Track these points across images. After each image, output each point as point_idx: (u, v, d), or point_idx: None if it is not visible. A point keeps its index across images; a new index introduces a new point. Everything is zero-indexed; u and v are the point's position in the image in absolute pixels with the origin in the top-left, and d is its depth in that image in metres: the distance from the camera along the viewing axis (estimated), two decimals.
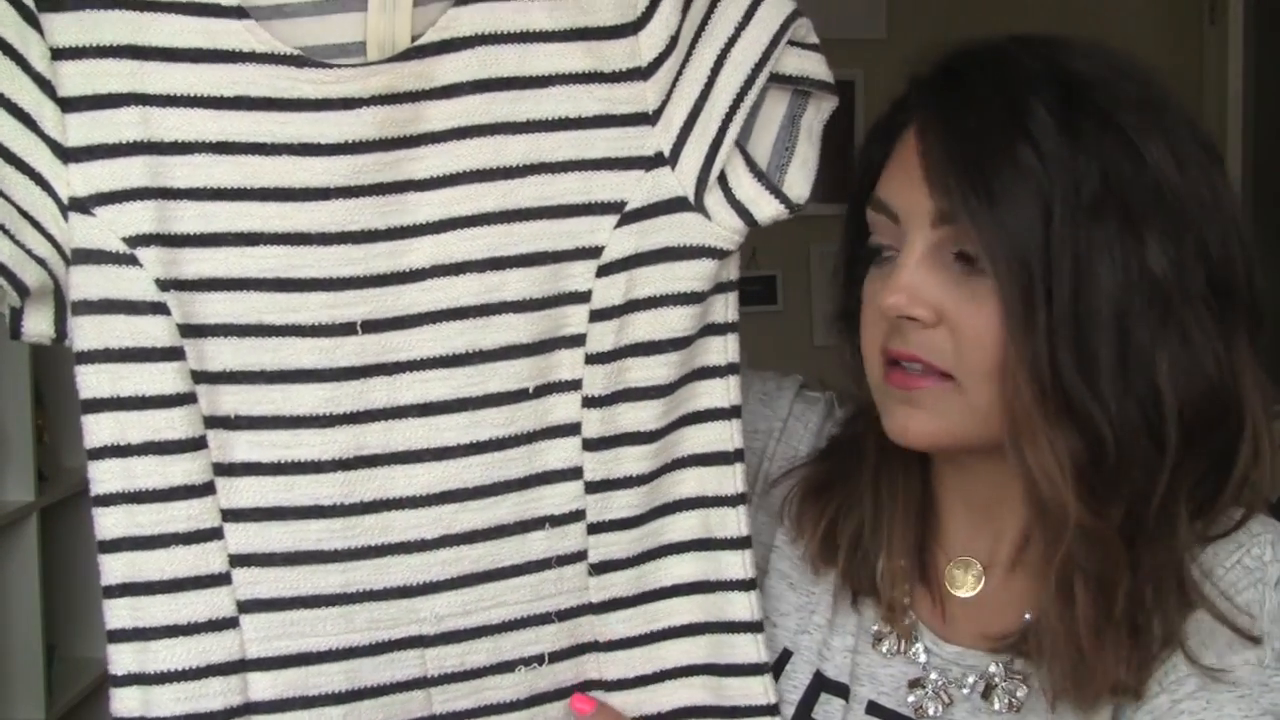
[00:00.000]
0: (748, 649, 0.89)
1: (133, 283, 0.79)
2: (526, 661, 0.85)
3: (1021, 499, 0.85)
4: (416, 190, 0.81)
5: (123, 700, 0.81)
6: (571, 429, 0.85)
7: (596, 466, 0.86)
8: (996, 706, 0.87)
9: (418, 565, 0.83)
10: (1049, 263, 0.79)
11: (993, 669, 0.88)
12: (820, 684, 0.92)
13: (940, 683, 0.89)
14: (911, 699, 0.90)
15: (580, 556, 0.86)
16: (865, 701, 0.91)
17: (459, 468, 0.83)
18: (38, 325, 0.80)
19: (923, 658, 0.91)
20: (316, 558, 0.82)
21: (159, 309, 0.79)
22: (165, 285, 0.79)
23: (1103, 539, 0.81)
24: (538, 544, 0.85)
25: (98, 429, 0.80)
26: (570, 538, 0.86)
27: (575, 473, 0.86)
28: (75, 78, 0.78)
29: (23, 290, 0.78)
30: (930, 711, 0.89)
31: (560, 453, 0.85)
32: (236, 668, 0.81)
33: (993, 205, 0.80)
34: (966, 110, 0.83)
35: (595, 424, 0.85)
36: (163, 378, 0.79)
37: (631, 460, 0.86)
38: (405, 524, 0.83)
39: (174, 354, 0.80)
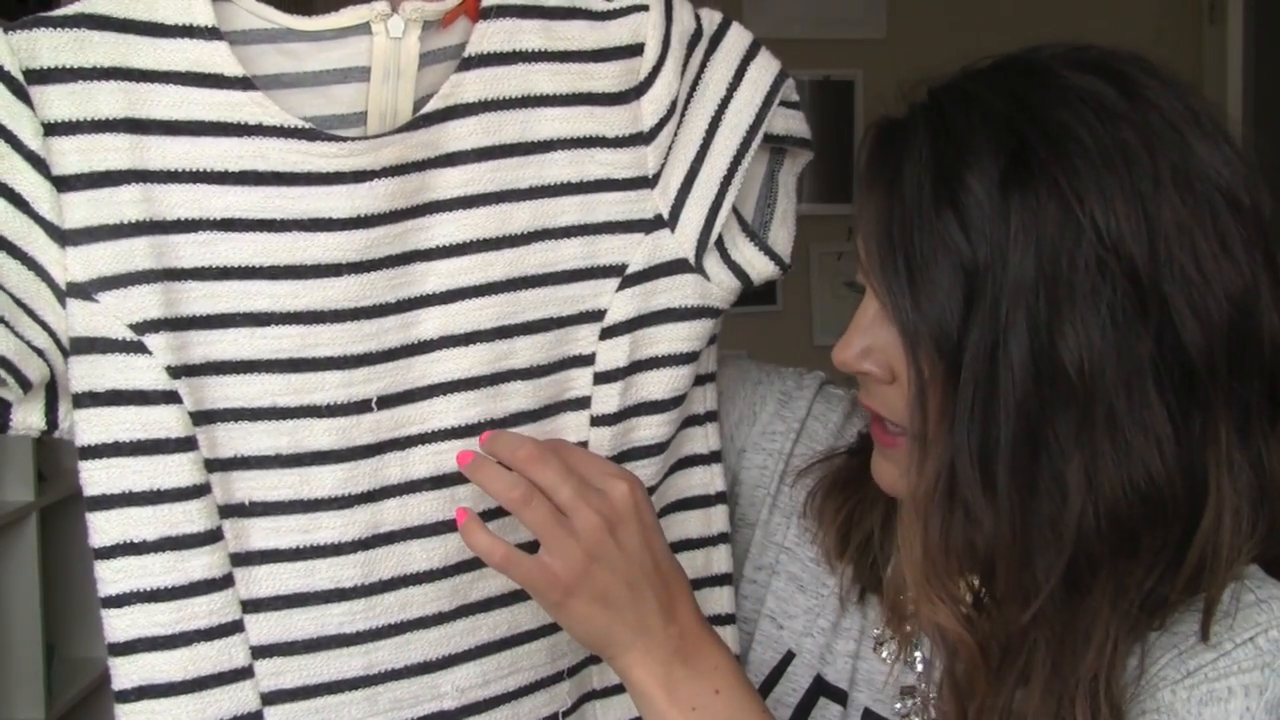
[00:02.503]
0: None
1: (142, 372, 0.74)
2: None
3: None
4: (423, 260, 0.80)
5: None
6: None
7: None
8: None
9: (437, 639, 0.82)
10: (962, 348, 0.75)
11: None
12: (819, 688, 0.92)
13: (932, 695, 0.89)
14: (899, 706, 0.89)
15: None
16: (862, 709, 0.90)
17: None
18: (27, 418, 0.76)
19: (919, 667, 0.89)
20: (339, 641, 0.80)
21: (171, 398, 0.75)
22: (176, 372, 0.75)
23: (965, 647, 0.79)
24: None
25: (107, 526, 0.75)
26: None
27: None
28: (71, 155, 0.73)
29: (26, 385, 0.73)
30: None
31: None
32: None
33: (912, 285, 0.76)
34: (901, 180, 0.77)
35: None
36: (178, 470, 0.75)
37: None
38: (424, 599, 0.81)
39: (188, 444, 0.76)
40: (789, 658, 0.93)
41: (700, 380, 0.89)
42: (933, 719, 0.88)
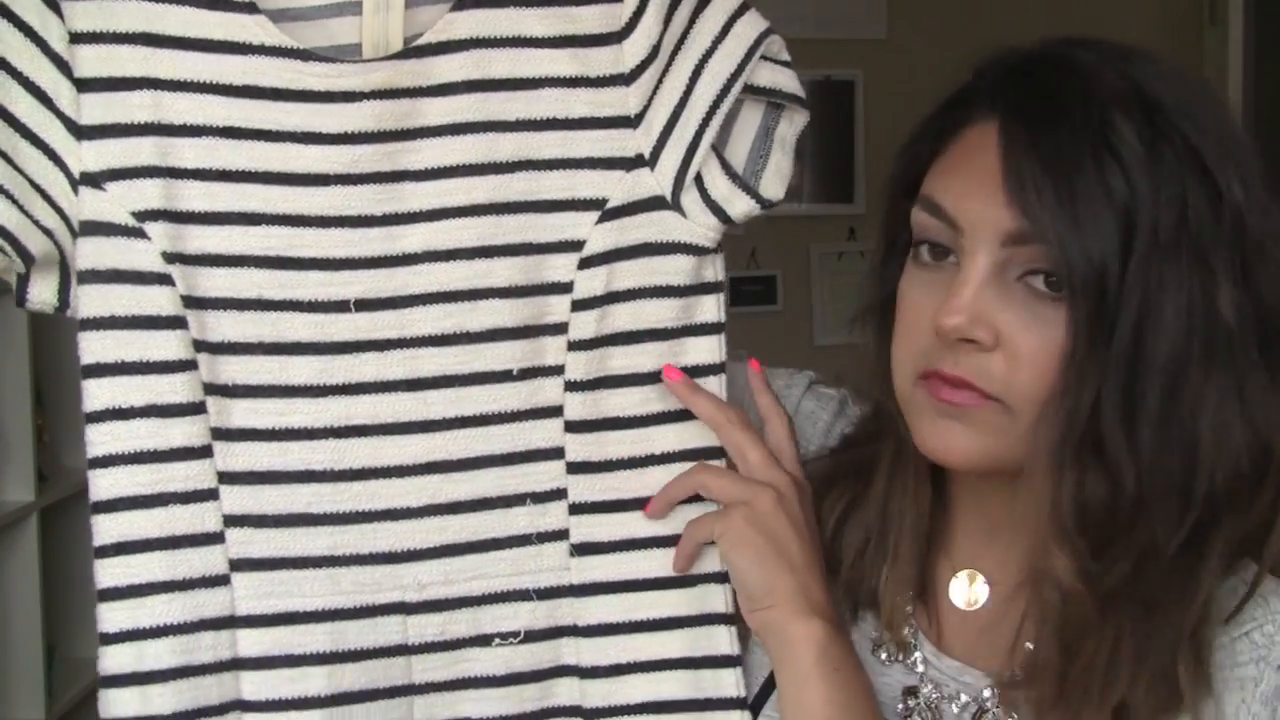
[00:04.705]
0: (721, 642, 0.91)
1: (140, 254, 0.83)
2: (504, 635, 0.88)
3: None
4: (412, 180, 0.86)
5: (114, 658, 0.85)
6: (555, 411, 0.89)
7: (578, 448, 0.89)
8: None
9: (403, 532, 0.86)
10: (1120, 297, 0.76)
11: (986, 694, 0.87)
12: None
13: (934, 697, 0.88)
14: (901, 708, 0.89)
15: (562, 535, 0.89)
16: None
17: (444, 440, 0.87)
18: (41, 293, 0.85)
19: (920, 668, 0.90)
20: (306, 520, 0.85)
21: (164, 280, 0.83)
22: (170, 258, 0.84)
23: (1079, 600, 0.79)
24: (520, 519, 0.88)
25: (98, 392, 0.83)
26: (551, 516, 0.89)
27: (558, 453, 0.89)
28: (92, 61, 0.83)
29: (27, 257, 0.82)
30: None
31: (544, 433, 0.89)
32: (227, 624, 0.85)
33: (1079, 230, 0.76)
34: (1055, 125, 0.79)
35: (577, 407, 0.89)
36: (165, 344, 0.83)
37: (613, 444, 0.90)
38: (392, 492, 0.86)
39: (177, 323, 0.84)
40: None
41: (706, 329, 0.91)
42: (951, 714, 0.88)
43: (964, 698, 0.88)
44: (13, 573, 2.45)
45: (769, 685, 0.91)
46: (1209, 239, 0.77)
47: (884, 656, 0.91)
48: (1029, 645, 0.84)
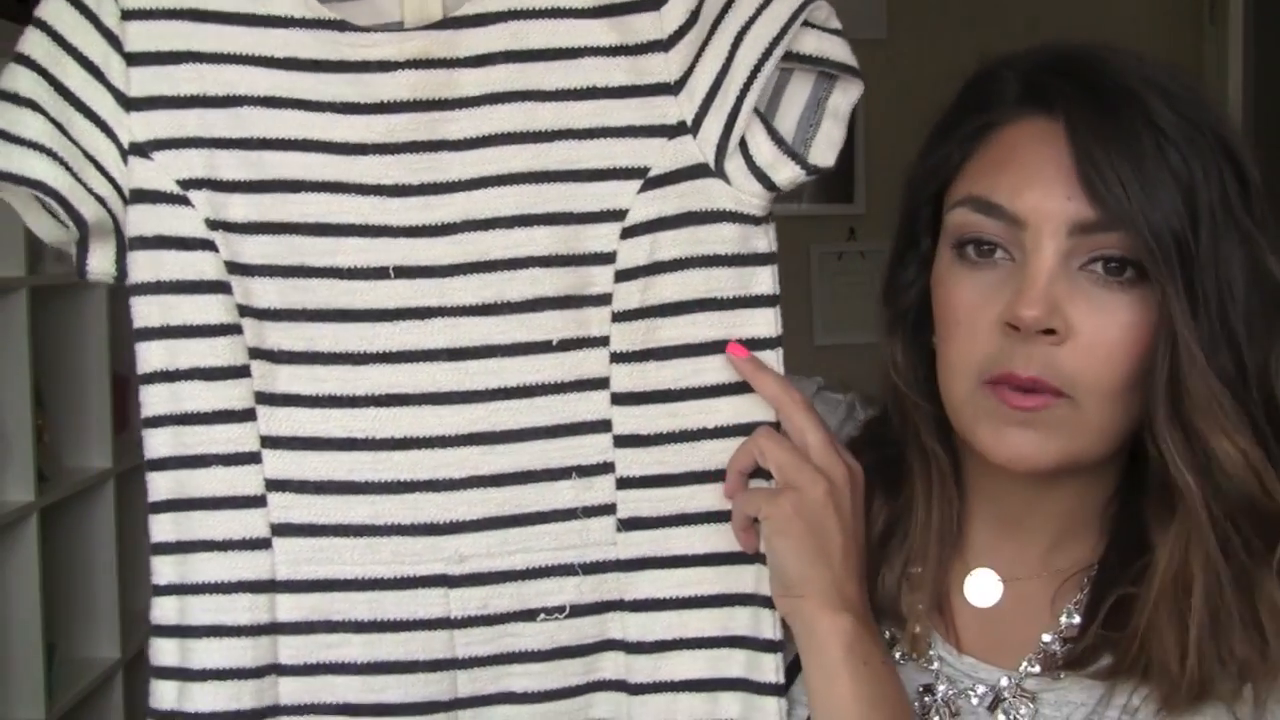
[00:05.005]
0: (765, 625, 0.89)
1: (185, 221, 0.86)
2: (549, 610, 0.88)
3: (1056, 513, 0.89)
4: (450, 150, 0.87)
5: (162, 609, 0.86)
6: (601, 383, 0.88)
7: (627, 421, 0.88)
8: None
9: (444, 504, 0.86)
10: (1198, 268, 0.80)
11: (1003, 683, 0.88)
12: None
13: (949, 693, 0.89)
14: (918, 705, 0.90)
15: (608, 510, 0.88)
16: None
17: (486, 411, 0.87)
18: (100, 264, 0.87)
19: (935, 665, 0.91)
20: (347, 488, 0.86)
21: (208, 246, 0.86)
22: (214, 225, 0.86)
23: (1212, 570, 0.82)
24: (565, 493, 0.88)
25: (149, 355, 0.86)
26: (598, 490, 0.88)
27: (604, 425, 0.88)
28: (141, 35, 0.86)
29: (80, 222, 0.85)
30: None
31: (590, 405, 0.88)
32: (266, 587, 0.86)
33: (1157, 211, 0.79)
34: (1112, 114, 0.81)
35: (624, 379, 0.88)
36: (210, 309, 0.85)
37: (663, 417, 0.89)
38: (433, 462, 0.86)
39: (220, 288, 0.86)
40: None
41: (761, 301, 0.90)
42: (953, 714, 0.89)
43: (980, 689, 0.89)
44: (13, 573, 2.46)
45: (794, 668, 0.91)
46: (1242, 212, 0.82)
47: (898, 655, 0.91)
48: (1045, 638, 0.88)
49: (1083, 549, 0.91)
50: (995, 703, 0.88)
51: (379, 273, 0.86)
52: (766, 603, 0.89)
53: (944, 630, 0.92)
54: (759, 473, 0.89)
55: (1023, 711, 0.87)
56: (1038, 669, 0.88)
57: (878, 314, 0.95)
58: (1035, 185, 0.82)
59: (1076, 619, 0.89)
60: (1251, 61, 3.30)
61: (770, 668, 0.89)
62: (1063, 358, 0.81)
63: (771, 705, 0.89)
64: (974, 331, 0.84)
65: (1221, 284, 0.80)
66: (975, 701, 0.89)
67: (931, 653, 0.91)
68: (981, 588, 0.92)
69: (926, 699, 0.90)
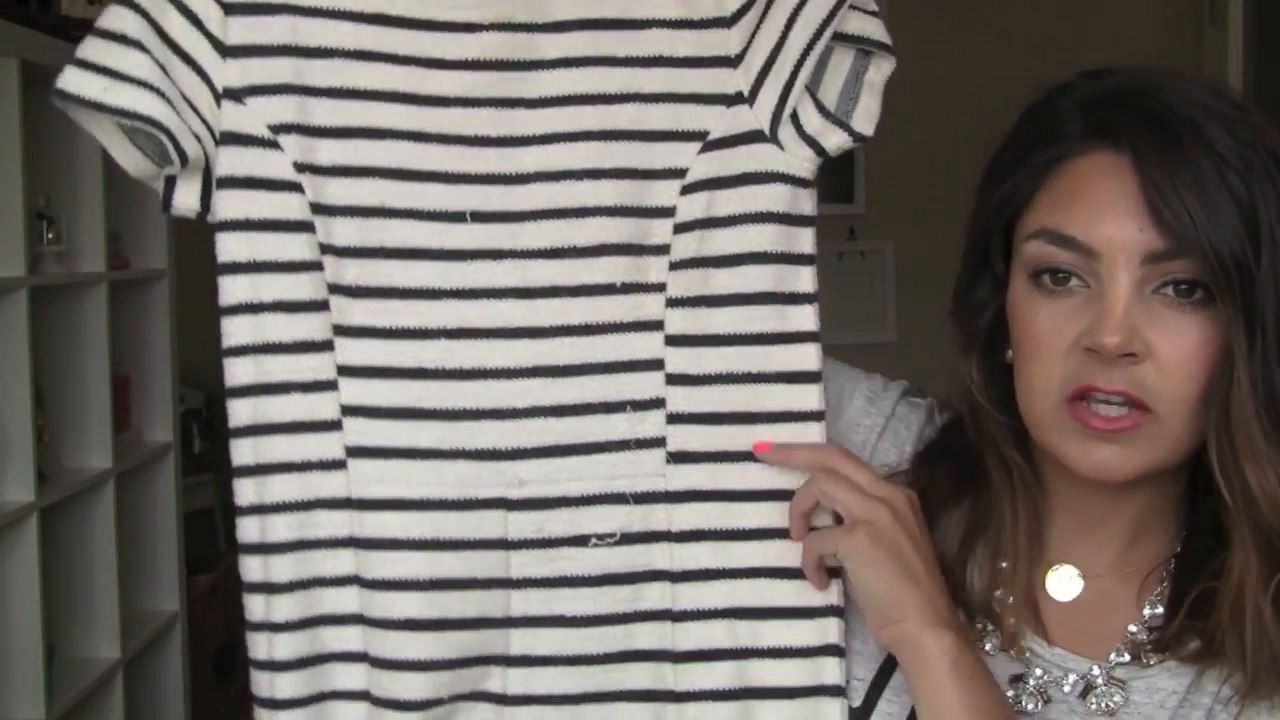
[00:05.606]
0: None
1: (274, 164, 0.91)
2: (600, 536, 0.93)
3: (1131, 514, 0.95)
4: (527, 107, 0.93)
5: (244, 529, 0.91)
6: (656, 325, 0.94)
7: (677, 360, 0.94)
8: (1093, 708, 0.93)
9: (507, 431, 0.92)
10: (1257, 288, 0.85)
11: (1095, 671, 0.94)
12: None
13: (1042, 680, 0.95)
14: (1010, 694, 0.95)
15: (659, 443, 0.94)
16: None
17: (550, 346, 0.93)
18: (185, 199, 0.92)
19: (1026, 656, 0.96)
20: (417, 415, 0.92)
21: (295, 188, 0.91)
22: (301, 168, 0.91)
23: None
24: (619, 425, 0.93)
25: (234, 288, 0.91)
26: (650, 423, 0.94)
27: (658, 364, 0.94)
28: None
29: (183, 157, 0.90)
30: (1028, 708, 0.94)
31: (645, 344, 0.94)
32: (341, 505, 0.91)
33: (1222, 237, 0.85)
34: (1175, 145, 0.87)
35: (678, 322, 0.94)
36: (294, 246, 0.91)
37: (712, 359, 0.94)
38: (499, 393, 0.92)
39: (305, 227, 0.91)
40: None
41: (803, 260, 0.95)
42: (1045, 701, 0.94)
43: (1071, 678, 0.94)
44: (13, 573, 2.46)
45: (888, 666, 0.96)
46: None
47: (989, 648, 0.97)
48: (1132, 628, 0.94)
49: (1157, 546, 0.97)
50: (1086, 690, 0.93)
51: (456, 216, 0.92)
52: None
53: (1033, 624, 0.97)
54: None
55: (1116, 699, 0.92)
56: (1127, 658, 0.94)
57: (950, 333, 1.01)
58: (1107, 218, 0.88)
59: (1160, 610, 0.95)
60: (1251, 61, 3.30)
61: (818, 597, 0.94)
62: (1143, 375, 0.87)
63: (832, 625, 0.94)
64: (1054, 354, 0.90)
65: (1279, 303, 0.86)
66: (1067, 690, 0.94)
67: (1023, 644, 0.96)
68: (1063, 583, 0.98)
69: (1019, 686, 0.95)
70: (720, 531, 0.94)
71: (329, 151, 0.92)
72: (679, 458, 0.94)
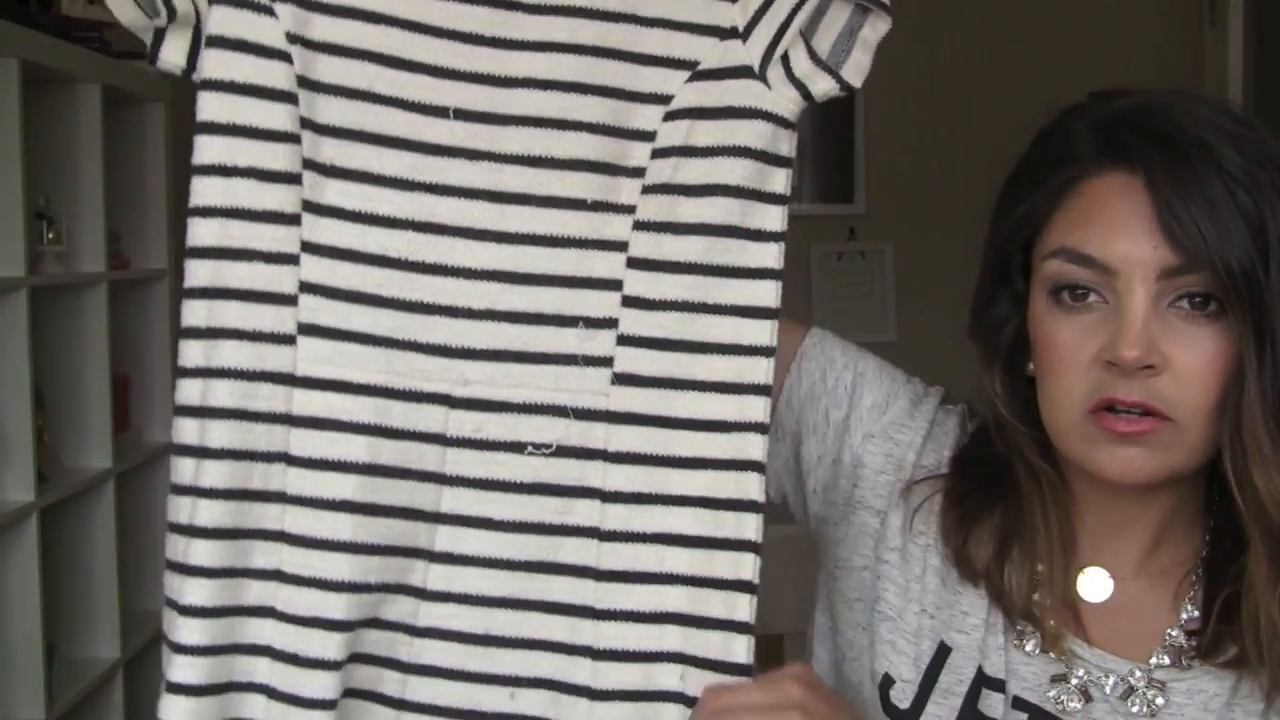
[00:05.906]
0: (750, 487, 0.95)
1: (265, 30, 0.91)
2: (536, 446, 0.94)
3: (1161, 518, 0.99)
4: (525, 12, 0.94)
5: (185, 391, 0.91)
6: (620, 246, 0.95)
7: (635, 284, 0.95)
8: (1135, 709, 0.97)
9: (460, 330, 0.93)
10: (1267, 299, 0.90)
11: (1137, 673, 0.98)
12: (981, 679, 1.02)
13: (1085, 680, 0.99)
14: (1052, 693, 0.99)
15: (606, 363, 0.95)
16: (1011, 696, 1.00)
17: (514, 252, 0.93)
18: (172, 55, 0.92)
19: (1066, 656, 1.00)
20: (374, 301, 0.92)
21: (283, 57, 0.91)
22: (293, 39, 0.91)
23: None
24: (570, 339, 0.94)
25: (209, 148, 0.90)
26: (600, 342, 0.95)
27: (616, 284, 0.95)
28: None
29: (171, 10, 0.90)
30: (1070, 706, 0.98)
31: (606, 264, 0.95)
32: (286, 380, 0.91)
33: (1233, 253, 0.89)
34: (1186, 165, 0.91)
35: (642, 246, 0.95)
36: (274, 115, 0.91)
37: (669, 285, 0.95)
38: (457, 291, 0.93)
39: (288, 98, 0.91)
40: (945, 650, 1.02)
41: (774, 199, 0.96)
42: (1087, 700, 0.98)
43: (1111, 680, 0.98)
44: (13, 573, 2.46)
45: (934, 668, 1.01)
46: None
47: (1029, 649, 1.01)
48: (1172, 632, 0.99)
49: (1180, 549, 1.01)
50: (1128, 692, 0.98)
51: (439, 111, 0.93)
52: (755, 467, 0.95)
53: (1073, 626, 1.01)
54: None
55: (1158, 702, 0.97)
56: (1167, 660, 0.98)
57: (973, 347, 1.05)
58: (1123, 237, 0.92)
59: (1195, 613, 0.99)
60: (1251, 61, 3.30)
61: (750, 528, 0.95)
62: (1161, 385, 0.91)
63: (747, 561, 0.95)
64: (1075, 368, 0.94)
65: None
66: (1108, 690, 0.98)
67: (1065, 645, 1.00)
68: (1095, 584, 1.02)
69: (1059, 686, 0.99)
70: (656, 457, 0.95)
71: (322, 27, 0.92)
72: (624, 379, 0.95)
